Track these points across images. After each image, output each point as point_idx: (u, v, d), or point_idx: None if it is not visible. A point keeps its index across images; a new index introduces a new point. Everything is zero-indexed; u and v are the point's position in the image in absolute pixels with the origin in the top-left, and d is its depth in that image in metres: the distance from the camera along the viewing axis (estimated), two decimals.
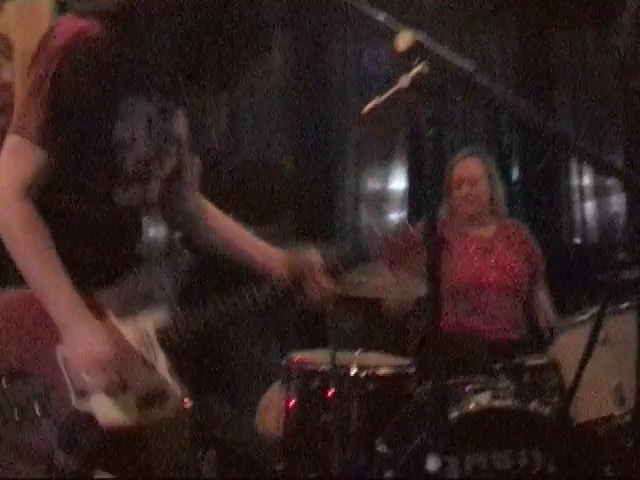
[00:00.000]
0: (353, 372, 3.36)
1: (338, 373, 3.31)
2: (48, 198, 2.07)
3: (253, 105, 5.01)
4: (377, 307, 4.05)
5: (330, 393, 3.32)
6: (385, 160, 5.12)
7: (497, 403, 3.15)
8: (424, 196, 1.63)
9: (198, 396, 2.20)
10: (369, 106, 1.56)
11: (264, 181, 4.89)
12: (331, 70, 4.96)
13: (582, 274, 4.34)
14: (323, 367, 3.37)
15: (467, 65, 1.49)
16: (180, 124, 2.22)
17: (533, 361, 3.41)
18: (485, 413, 3.10)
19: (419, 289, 3.39)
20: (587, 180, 5.14)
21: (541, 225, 4.63)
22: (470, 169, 4.24)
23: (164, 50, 2.03)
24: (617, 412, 3.14)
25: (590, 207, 5.10)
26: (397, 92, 1.51)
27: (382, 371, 3.43)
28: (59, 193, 2.09)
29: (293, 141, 5.06)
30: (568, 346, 3.36)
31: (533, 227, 4.42)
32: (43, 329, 2.07)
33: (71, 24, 2.00)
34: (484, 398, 3.18)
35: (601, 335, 3.15)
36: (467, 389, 3.24)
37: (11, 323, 2.09)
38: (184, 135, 2.25)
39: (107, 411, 2.08)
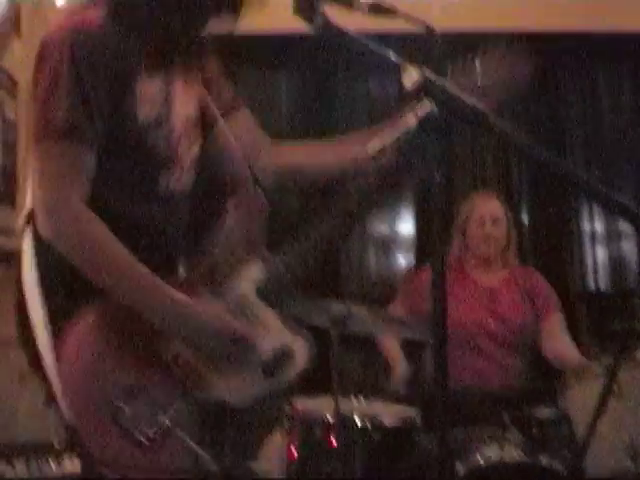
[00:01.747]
0: (358, 421, 3.27)
1: (342, 422, 3.22)
2: (102, 199, 1.98)
3: None
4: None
5: (334, 443, 3.22)
6: (393, 202, 5.06)
7: (507, 457, 3.06)
8: (431, 240, 1.55)
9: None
10: (376, 145, 1.49)
11: (271, 221, 4.82)
12: (338, 109, 4.92)
13: (594, 322, 4.26)
14: (327, 416, 3.28)
15: (478, 105, 1.42)
16: (191, 100, 2.16)
17: (543, 413, 3.32)
18: (495, 468, 3.02)
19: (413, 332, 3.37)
20: (599, 225, 5.07)
21: (552, 272, 4.54)
22: (494, 208, 4.17)
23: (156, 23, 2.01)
24: (632, 467, 3.06)
25: (602, 253, 5.03)
26: (406, 132, 1.44)
27: (388, 421, 3.34)
28: (109, 191, 2.01)
29: None
30: (579, 398, 3.28)
31: (543, 274, 4.35)
32: (139, 337, 1.96)
33: (71, 16, 1.98)
34: (493, 451, 3.10)
35: (614, 388, 3.08)
36: (475, 441, 3.16)
37: (110, 342, 1.94)
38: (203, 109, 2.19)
39: (235, 391, 1.99)
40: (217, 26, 2.09)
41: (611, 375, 3.05)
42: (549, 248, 4.99)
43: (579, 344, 4.08)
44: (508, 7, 4.68)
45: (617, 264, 4.98)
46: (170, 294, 1.96)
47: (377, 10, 1.53)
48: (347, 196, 2.06)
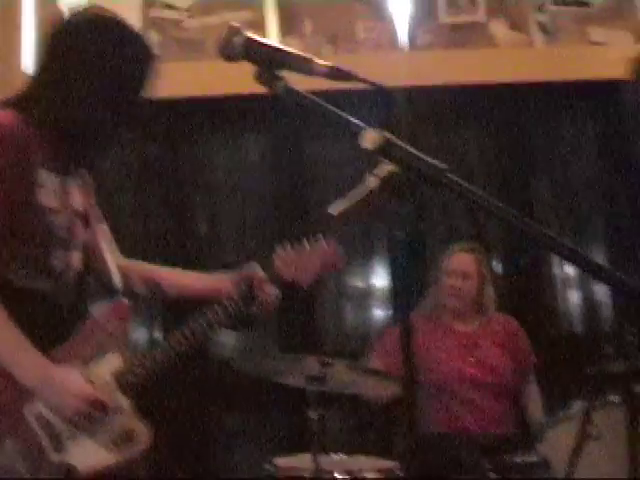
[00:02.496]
0: (339, 477, 3.26)
1: (324, 479, 3.21)
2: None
3: (232, 206, 5.01)
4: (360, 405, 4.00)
5: None
6: (368, 257, 5.09)
7: None
8: (404, 295, 1.58)
9: None
10: (337, 207, 1.53)
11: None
12: (309, 170, 4.97)
13: (569, 367, 4.29)
14: (308, 473, 3.27)
15: (437, 163, 1.47)
16: (79, 199, 2.45)
17: (522, 458, 3.33)
18: None
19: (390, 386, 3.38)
20: (571, 269, 5.12)
21: (526, 316, 4.58)
22: (464, 263, 4.23)
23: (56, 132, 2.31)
24: None
25: (575, 297, 5.07)
26: (369, 194, 1.48)
27: (369, 475, 3.33)
28: (5, 266, 2.25)
29: (274, 240, 5.03)
30: (558, 442, 3.29)
31: (518, 319, 4.39)
32: (8, 392, 2.21)
33: None
34: None
35: (592, 431, 3.10)
36: None
37: None
38: (85, 210, 2.49)
39: (85, 457, 2.25)
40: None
41: (586, 418, 3.08)
42: (523, 294, 5.02)
43: (555, 388, 4.12)
44: (471, 61, 4.77)
45: (590, 308, 5.02)
46: (35, 355, 2.20)
47: (335, 75, 1.58)
48: (197, 320, 2.40)
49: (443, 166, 1.48)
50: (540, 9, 4.99)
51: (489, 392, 4.04)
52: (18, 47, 4.73)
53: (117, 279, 2.52)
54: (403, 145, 1.48)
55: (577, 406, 3.33)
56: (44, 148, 2.30)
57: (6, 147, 2.22)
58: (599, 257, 5.01)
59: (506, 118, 4.97)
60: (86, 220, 2.51)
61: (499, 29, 4.92)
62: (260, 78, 1.62)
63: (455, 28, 4.91)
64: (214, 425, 4.73)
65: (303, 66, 1.60)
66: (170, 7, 4.90)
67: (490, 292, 4.30)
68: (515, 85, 4.72)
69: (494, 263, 5.07)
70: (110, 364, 2.37)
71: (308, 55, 1.61)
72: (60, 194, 2.36)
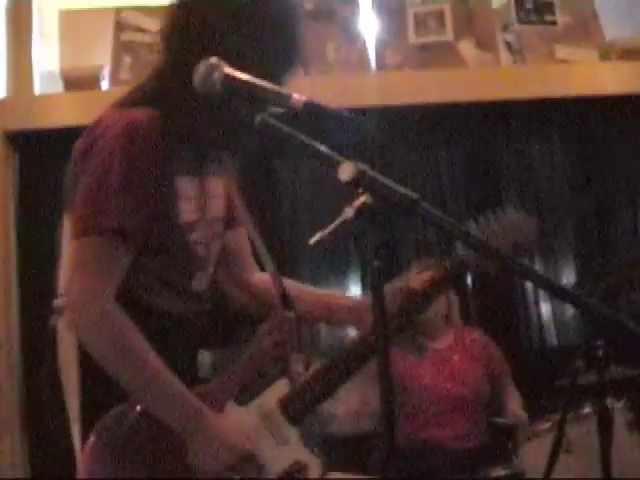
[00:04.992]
0: None
1: None
2: (134, 296, 2.00)
3: None
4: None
5: None
6: (340, 274, 5.13)
7: None
8: (380, 315, 1.62)
9: None
10: (316, 238, 1.59)
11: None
12: (281, 188, 5.01)
13: (541, 380, 4.35)
14: None
15: (409, 194, 1.53)
16: (219, 197, 2.20)
17: (498, 472, 3.39)
18: None
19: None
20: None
21: (498, 330, 4.64)
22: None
23: (198, 130, 2.02)
24: None
25: (546, 310, 5.13)
26: (343, 223, 1.54)
27: None
28: (143, 289, 2.02)
29: None
30: (532, 455, 3.36)
31: (490, 333, 4.45)
32: (168, 445, 1.97)
33: (118, 115, 1.98)
34: None
35: (564, 443, 3.16)
36: None
37: (135, 446, 1.97)
38: (227, 211, 2.25)
39: None
40: None
41: (559, 431, 3.15)
42: (494, 308, 5.08)
43: (527, 401, 4.18)
44: (440, 80, 4.83)
45: (561, 321, 5.08)
46: (192, 403, 1.96)
47: (311, 109, 1.63)
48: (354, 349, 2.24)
49: (415, 196, 1.54)
50: (506, 28, 5.07)
51: (466, 406, 4.09)
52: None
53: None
54: (377, 176, 1.54)
55: (550, 419, 3.39)
56: (182, 149, 2.02)
57: (144, 152, 1.92)
58: (568, 274, 5.09)
59: (475, 137, 5.04)
60: (227, 223, 2.26)
61: (467, 49, 5.00)
62: (238, 113, 1.67)
63: (424, 48, 4.98)
64: None
65: (280, 100, 1.65)
66: (141, 30, 4.93)
67: (456, 304, 4.36)
68: (484, 104, 4.79)
69: (465, 277, 5.12)
70: (276, 392, 2.14)
71: (285, 90, 1.67)
72: (199, 200, 2.10)
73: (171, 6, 2.06)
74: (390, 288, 2.23)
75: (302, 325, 2.23)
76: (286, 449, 2.12)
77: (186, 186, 2.04)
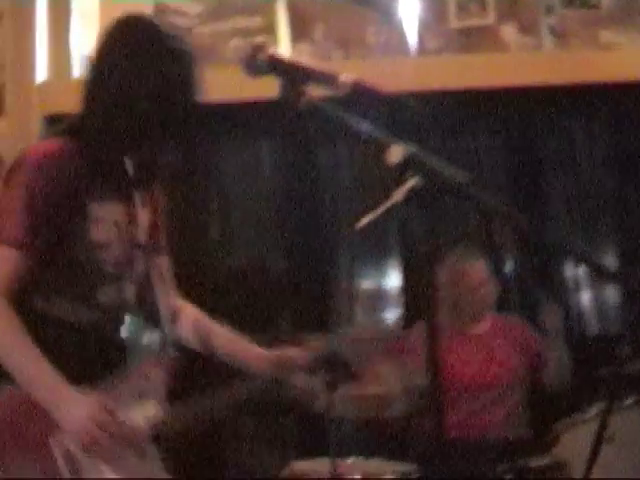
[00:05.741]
0: None
1: None
2: (33, 301, 2.25)
3: (245, 210, 5.03)
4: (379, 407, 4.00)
5: None
6: (379, 259, 5.11)
7: None
8: (420, 298, 1.60)
9: None
10: (364, 221, 1.56)
11: (258, 286, 4.88)
12: (322, 172, 4.99)
13: (583, 369, 4.30)
14: (325, 477, 3.30)
15: (460, 177, 1.49)
16: (144, 225, 2.40)
17: (538, 462, 3.36)
18: None
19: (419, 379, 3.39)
20: (583, 270, 5.12)
21: (538, 319, 4.59)
22: (481, 272, 4.27)
23: (117, 159, 2.31)
24: None
25: (587, 298, 5.07)
26: (391, 206, 1.51)
27: (386, 478, 3.36)
28: (43, 295, 2.26)
29: (286, 244, 5.07)
30: (573, 445, 3.32)
31: (530, 321, 4.41)
32: (36, 423, 2.17)
33: (41, 146, 2.35)
34: None
35: (607, 433, 3.12)
36: None
37: (4, 423, 2.19)
38: (148, 239, 2.43)
39: None
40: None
41: (602, 421, 3.10)
42: (534, 296, 5.03)
43: (570, 390, 4.13)
44: (481, 65, 4.78)
45: (602, 309, 5.02)
46: (52, 375, 2.16)
47: (358, 89, 1.61)
48: (236, 389, 2.43)
49: (465, 178, 1.50)
50: (549, 12, 5.00)
51: (508, 392, 4.05)
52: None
53: (165, 321, 2.44)
54: (427, 159, 1.51)
55: (593, 409, 3.35)
56: (100, 177, 2.27)
57: (50, 179, 2.20)
58: (611, 260, 5.02)
59: (517, 122, 4.98)
60: (147, 251, 2.44)
61: (509, 33, 4.94)
62: (284, 94, 1.65)
63: (465, 32, 4.93)
64: (229, 430, 4.75)
65: (327, 81, 1.63)
66: (181, 14, 4.92)
67: (494, 288, 4.35)
68: (525, 89, 4.73)
69: (507, 265, 5.09)
70: (146, 410, 2.30)
71: (332, 70, 1.64)
72: (123, 224, 2.32)
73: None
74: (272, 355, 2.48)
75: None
76: (143, 463, 2.27)
77: (107, 211, 2.28)
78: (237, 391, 2.41)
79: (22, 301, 2.21)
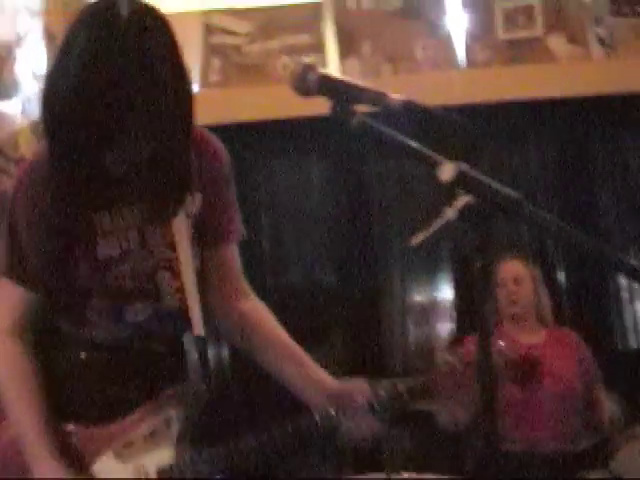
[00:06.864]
0: None
1: None
2: (60, 324, 2.10)
3: (296, 225, 5.06)
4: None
5: None
6: (431, 272, 5.12)
7: None
8: (471, 307, 1.60)
9: None
10: (419, 239, 1.56)
11: (310, 301, 4.90)
12: (372, 188, 5.02)
13: (638, 382, 4.26)
14: None
15: (513, 194, 1.50)
16: (177, 228, 2.07)
17: (595, 476, 3.32)
18: None
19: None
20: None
21: (592, 330, 4.56)
22: (515, 269, 4.24)
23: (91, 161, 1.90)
24: None
25: None
26: (445, 224, 1.51)
27: None
28: (63, 320, 2.10)
29: (338, 259, 5.09)
30: (630, 459, 3.29)
31: (584, 333, 4.37)
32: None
33: (22, 164, 2.12)
34: None
35: None
36: None
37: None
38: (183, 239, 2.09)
39: None
40: None
41: None
42: (588, 307, 5.00)
43: (625, 404, 4.08)
44: (529, 76, 4.78)
45: None
46: (35, 435, 2.02)
47: (410, 108, 1.61)
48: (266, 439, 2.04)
49: (518, 196, 1.50)
50: (598, 22, 4.97)
51: (562, 404, 4.01)
52: None
53: (199, 330, 2.11)
54: (479, 176, 1.51)
55: None
56: (86, 185, 1.93)
57: (27, 204, 1.98)
58: None
59: (567, 133, 4.96)
60: (173, 266, 2.10)
61: (557, 43, 4.92)
62: (335, 113, 1.66)
63: (513, 44, 4.92)
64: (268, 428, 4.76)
65: (377, 100, 1.63)
66: (230, 33, 4.98)
67: (546, 299, 4.30)
68: (575, 99, 4.71)
69: (557, 276, 5.06)
70: (159, 458, 2.03)
71: (381, 89, 1.65)
72: (134, 236, 2.04)
73: None
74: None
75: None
76: None
77: (104, 223, 2.01)
78: (278, 434, 2.03)
79: (51, 325, 2.10)
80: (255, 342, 2.20)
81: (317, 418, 2.02)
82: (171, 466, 2.01)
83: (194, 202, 2.09)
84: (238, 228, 2.21)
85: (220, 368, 4.73)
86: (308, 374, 2.15)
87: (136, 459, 2.04)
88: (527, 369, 2.13)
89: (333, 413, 2.01)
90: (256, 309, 2.24)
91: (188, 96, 1.91)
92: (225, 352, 4.81)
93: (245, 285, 2.26)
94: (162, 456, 2.03)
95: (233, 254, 2.23)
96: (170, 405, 2.05)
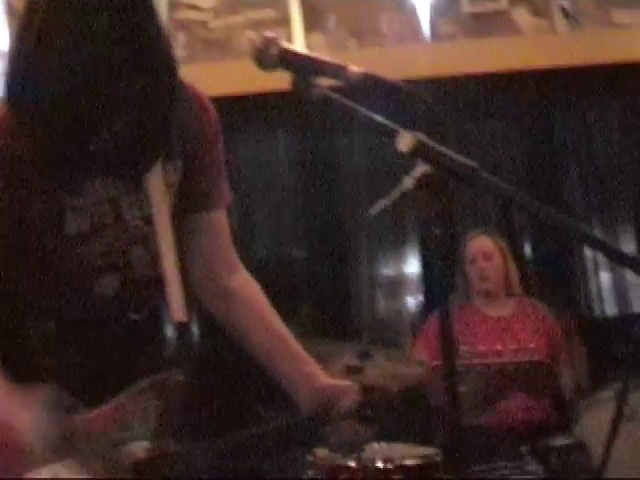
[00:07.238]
0: (380, 464, 3.31)
1: (364, 466, 3.26)
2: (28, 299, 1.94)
3: (263, 202, 5.07)
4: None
5: None
6: (399, 244, 5.15)
7: None
8: (438, 282, 1.63)
9: None
10: (377, 208, 1.59)
11: (278, 275, 4.92)
12: (338, 161, 5.03)
13: (601, 349, 4.32)
14: (349, 461, 3.33)
15: (469, 162, 1.53)
16: (156, 199, 1.93)
17: (559, 442, 3.38)
18: None
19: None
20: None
21: (557, 301, 4.62)
22: (484, 245, 4.30)
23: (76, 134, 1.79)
24: None
25: (606, 279, 5.09)
26: (403, 193, 1.54)
27: (409, 462, 3.38)
28: (36, 295, 1.94)
29: (305, 234, 5.11)
30: (593, 424, 3.34)
31: (549, 303, 4.43)
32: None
33: None
34: None
35: (627, 411, 3.14)
36: (495, 475, 3.21)
37: None
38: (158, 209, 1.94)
39: None
40: None
41: (621, 399, 3.12)
42: (553, 277, 5.06)
43: (588, 371, 4.15)
44: (495, 49, 4.80)
45: (621, 289, 5.04)
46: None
47: (368, 81, 1.63)
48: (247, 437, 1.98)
49: (474, 165, 1.54)
50: None
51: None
52: None
53: (180, 315, 1.95)
54: (436, 146, 1.54)
55: (611, 388, 3.37)
56: (64, 159, 1.79)
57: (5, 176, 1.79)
58: (629, 242, 5.03)
59: (531, 105, 5.00)
60: (148, 242, 1.95)
61: (521, 16, 4.95)
62: (296, 86, 1.68)
63: (478, 17, 4.94)
64: (252, 418, 4.79)
65: (337, 73, 1.65)
66: (195, 8, 4.96)
67: (514, 271, 4.35)
68: (540, 72, 4.74)
69: (524, 247, 5.11)
70: (131, 453, 1.87)
71: (341, 62, 1.67)
72: (105, 210, 1.89)
73: None
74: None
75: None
76: None
77: (74, 199, 1.86)
78: (258, 433, 1.96)
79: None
80: (242, 324, 2.05)
81: (299, 419, 1.95)
82: (148, 459, 1.85)
83: (174, 170, 1.95)
84: (226, 192, 2.07)
85: (201, 355, 4.72)
86: (299, 366, 2.02)
87: (112, 451, 1.87)
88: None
89: (317, 414, 1.92)
90: (246, 285, 2.09)
91: (174, 57, 1.84)
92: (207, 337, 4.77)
93: (235, 257, 2.11)
94: (139, 448, 1.87)
95: (221, 220, 2.08)
96: (148, 395, 1.89)
